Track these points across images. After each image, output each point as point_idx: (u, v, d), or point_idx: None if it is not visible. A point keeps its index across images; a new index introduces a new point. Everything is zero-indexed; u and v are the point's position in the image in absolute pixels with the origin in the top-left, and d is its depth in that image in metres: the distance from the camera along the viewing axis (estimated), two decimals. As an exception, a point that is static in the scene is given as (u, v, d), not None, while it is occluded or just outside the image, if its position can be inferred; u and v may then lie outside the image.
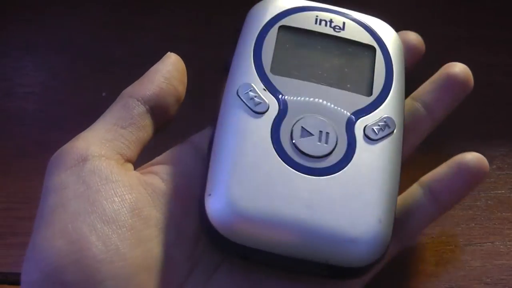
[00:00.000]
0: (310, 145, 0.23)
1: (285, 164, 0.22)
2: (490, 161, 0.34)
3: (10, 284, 0.30)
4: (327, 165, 0.22)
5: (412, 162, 0.33)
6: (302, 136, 0.23)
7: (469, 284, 0.30)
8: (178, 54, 0.27)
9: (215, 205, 0.22)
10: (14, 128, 0.35)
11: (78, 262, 0.22)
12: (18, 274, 0.23)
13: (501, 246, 0.31)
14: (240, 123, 0.23)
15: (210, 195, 0.22)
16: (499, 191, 0.33)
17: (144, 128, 0.26)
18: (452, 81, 0.29)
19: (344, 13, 0.27)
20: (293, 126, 0.23)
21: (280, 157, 0.22)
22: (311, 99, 0.24)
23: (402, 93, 0.25)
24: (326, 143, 0.23)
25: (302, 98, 0.24)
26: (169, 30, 0.39)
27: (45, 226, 0.23)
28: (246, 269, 0.24)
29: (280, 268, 0.23)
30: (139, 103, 0.26)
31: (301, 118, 0.23)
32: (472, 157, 0.28)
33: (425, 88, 0.30)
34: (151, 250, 0.23)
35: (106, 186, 0.23)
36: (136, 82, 0.27)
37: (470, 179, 0.28)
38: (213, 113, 0.25)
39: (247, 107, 0.23)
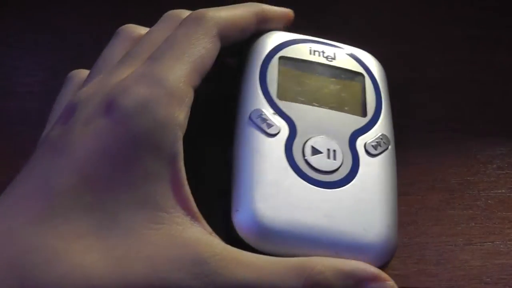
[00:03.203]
0: (321, 162, 0.26)
1: (301, 179, 0.25)
2: (490, 161, 0.35)
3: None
4: (337, 179, 0.25)
5: (412, 163, 0.33)
6: (313, 154, 0.26)
7: (469, 283, 0.30)
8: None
9: (243, 220, 0.24)
10: (14, 128, 0.35)
11: None
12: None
13: (501, 246, 0.31)
14: (256, 145, 0.26)
15: (237, 211, 0.24)
16: (499, 191, 0.33)
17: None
18: None
19: (333, 44, 0.30)
20: (303, 145, 0.26)
21: (296, 173, 0.25)
22: (316, 121, 0.27)
23: (390, 113, 0.29)
24: (335, 159, 0.26)
25: (309, 121, 0.27)
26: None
27: None
28: None
29: None
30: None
31: (309, 138, 0.26)
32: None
33: None
34: None
35: None
36: None
37: None
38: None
39: (262, 130, 0.26)
